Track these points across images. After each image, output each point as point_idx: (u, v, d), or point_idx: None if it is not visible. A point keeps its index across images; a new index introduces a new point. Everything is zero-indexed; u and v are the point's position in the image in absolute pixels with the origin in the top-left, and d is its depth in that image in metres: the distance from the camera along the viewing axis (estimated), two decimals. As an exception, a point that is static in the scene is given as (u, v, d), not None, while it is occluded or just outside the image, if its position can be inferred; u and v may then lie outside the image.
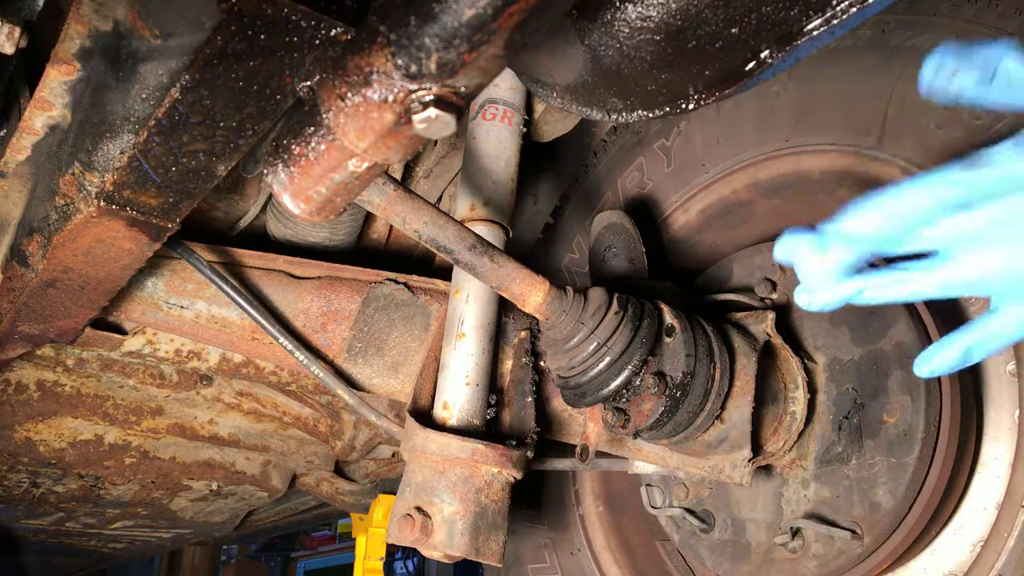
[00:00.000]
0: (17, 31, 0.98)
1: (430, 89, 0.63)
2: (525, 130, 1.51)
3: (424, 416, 1.26)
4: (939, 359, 0.82)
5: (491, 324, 1.30)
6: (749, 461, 1.21)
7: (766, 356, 1.28)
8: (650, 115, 0.96)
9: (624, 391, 1.13)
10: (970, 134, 1.19)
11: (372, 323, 1.49)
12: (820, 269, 0.80)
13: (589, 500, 1.76)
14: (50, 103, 1.06)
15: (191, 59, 0.88)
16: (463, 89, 0.63)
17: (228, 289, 1.38)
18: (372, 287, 1.53)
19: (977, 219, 0.75)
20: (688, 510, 1.44)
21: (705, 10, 0.83)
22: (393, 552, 6.35)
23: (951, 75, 0.75)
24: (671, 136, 1.65)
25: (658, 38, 0.86)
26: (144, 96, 0.96)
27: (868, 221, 0.77)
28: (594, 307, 1.10)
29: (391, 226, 1.78)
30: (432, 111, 0.63)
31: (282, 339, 1.40)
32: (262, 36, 0.82)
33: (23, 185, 1.23)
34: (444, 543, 1.14)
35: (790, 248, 0.81)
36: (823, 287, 0.81)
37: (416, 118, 0.63)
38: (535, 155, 1.99)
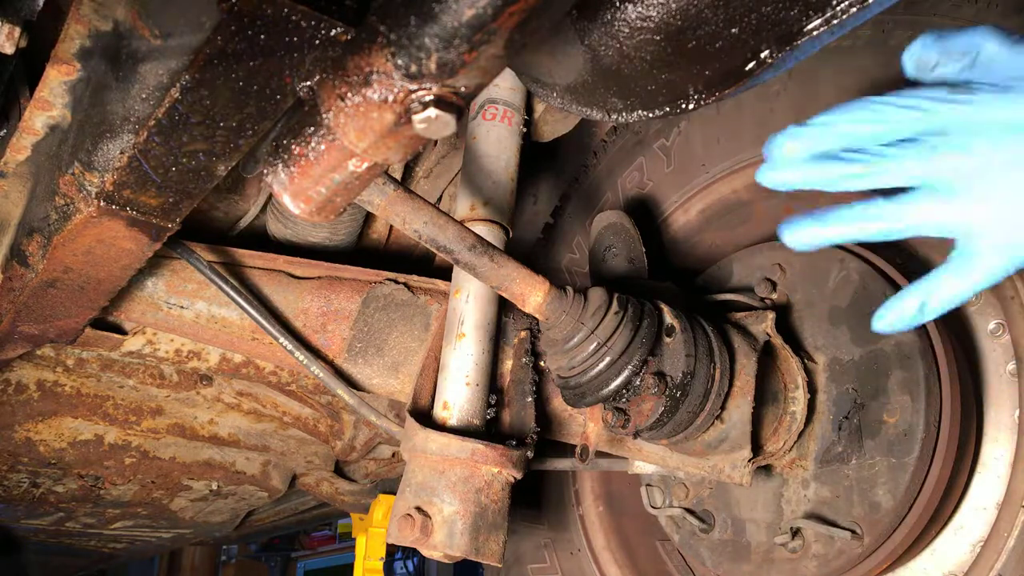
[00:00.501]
0: (17, 31, 0.98)
1: (430, 89, 0.62)
2: (525, 130, 1.51)
3: (424, 416, 1.26)
4: (894, 313, 0.79)
5: (491, 324, 1.30)
6: (749, 461, 1.21)
7: (766, 356, 1.28)
8: (650, 115, 0.95)
9: (624, 391, 1.13)
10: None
11: (372, 323, 1.49)
12: (788, 151, 0.77)
13: (589, 500, 1.76)
14: (50, 103, 1.06)
15: (191, 59, 0.88)
16: (463, 89, 0.63)
17: (228, 289, 1.38)
18: (372, 287, 1.53)
19: (971, 159, 0.72)
20: (688, 510, 1.44)
21: (705, 10, 0.83)
22: (393, 552, 6.35)
23: (932, 67, 0.76)
24: (671, 136, 1.65)
25: (658, 38, 0.86)
26: (144, 96, 0.96)
27: (853, 117, 0.75)
28: (594, 307, 1.10)
29: (391, 226, 1.78)
30: (432, 111, 0.63)
31: (282, 339, 1.40)
32: (262, 36, 0.82)
33: (23, 185, 1.23)
34: (444, 543, 1.14)
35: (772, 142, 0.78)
36: (784, 166, 0.77)
37: (416, 118, 0.63)
38: (535, 155, 1.99)
